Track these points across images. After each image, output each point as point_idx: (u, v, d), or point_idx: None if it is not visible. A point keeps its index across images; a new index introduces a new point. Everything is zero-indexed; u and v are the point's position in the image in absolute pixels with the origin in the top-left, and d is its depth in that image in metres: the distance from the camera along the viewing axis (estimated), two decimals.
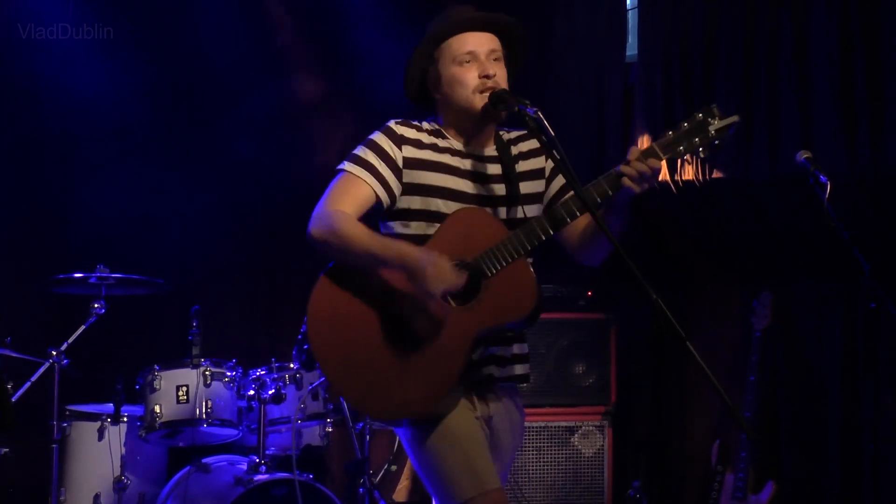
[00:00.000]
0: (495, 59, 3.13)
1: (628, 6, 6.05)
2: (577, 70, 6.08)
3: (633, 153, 2.98)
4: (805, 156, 3.80)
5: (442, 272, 2.94)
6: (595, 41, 6.03)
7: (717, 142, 3.01)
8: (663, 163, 3.03)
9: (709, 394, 5.93)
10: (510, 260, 2.99)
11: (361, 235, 3.02)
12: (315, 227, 3.05)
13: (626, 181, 2.95)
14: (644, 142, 3.07)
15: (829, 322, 5.58)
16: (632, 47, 6.02)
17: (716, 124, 3.00)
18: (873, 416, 5.38)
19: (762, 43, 5.34)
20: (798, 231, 5.46)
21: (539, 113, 2.95)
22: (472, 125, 3.16)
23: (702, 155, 3.02)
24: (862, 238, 3.91)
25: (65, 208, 6.14)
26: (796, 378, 5.67)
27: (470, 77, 3.10)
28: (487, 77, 3.09)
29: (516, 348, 3.21)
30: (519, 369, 3.23)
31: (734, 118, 3.01)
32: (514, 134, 3.28)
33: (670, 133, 3.00)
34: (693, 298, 6.13)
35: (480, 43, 3.12)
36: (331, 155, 6.42)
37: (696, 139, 2.99)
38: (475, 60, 3.10)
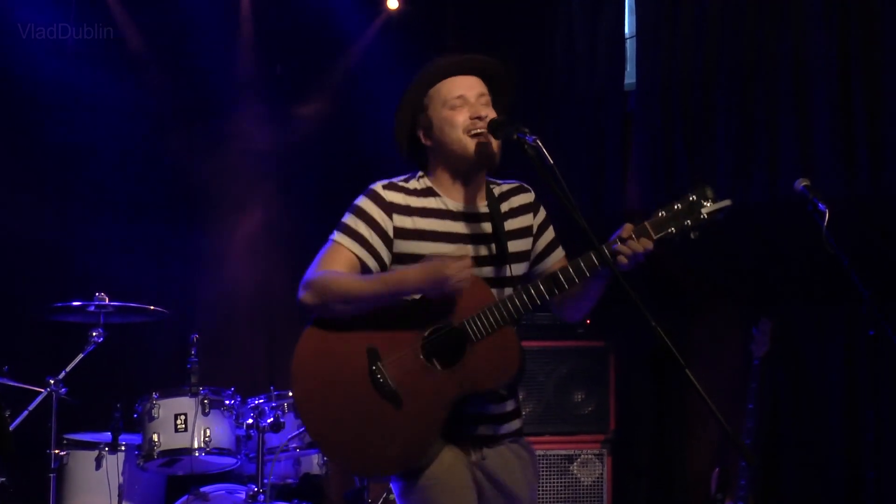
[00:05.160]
0: (485, 104, 3.14)
1: (627, 35, 6.09)
2: (576, 98, 6.11)
3: (625, 230, 2.98)
4: (804, 183, 3.81)
5: (442, 263, 2.95)
6: (594, 70, 6.06)
7: (707, 224, 3.00)
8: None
9: (708, 421, 5.91)
10: (495, 327, 2.99)
11: (353, 283, 3.03)
12: (305, 292, 3.06)
13: (620, 259, 2.96)
14: (627, 230, 3.03)
15: (829, 347, 5.57)
16: (630, 75, 6.05)
17: (708, 207, 2.99)
18: (875, 442, 5.37)
19: (761, 69, 5.37)
20: (797, 256, 5.46)
21: (538, 141, 2.95)
22: (463, 171, 3.15)
23: (692, 236, 3.00)
24: (861, 261, 3.91)
25: (64, 236, 6.14)
26: (797, 404, 5.66)
27: (461, 119, 3.10)
28: (479, 119, 3.09)
29: (510, 405, 3.20)
30: (515, 424, 3.22)
31: (726, 202, 3.00)
32: (505, 187, 3.28)
33: (662, 213, 3.00)
34: (692, 325, 6.12)
35: (470, 87, 3.14)
36: (331, 178, 6.47)
37: (688, 221, 2.99)
38: (466, 104, 3.11)
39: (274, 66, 6.65)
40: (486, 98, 3.15)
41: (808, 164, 5.17)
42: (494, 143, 3.10)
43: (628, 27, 6.11)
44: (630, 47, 6.07)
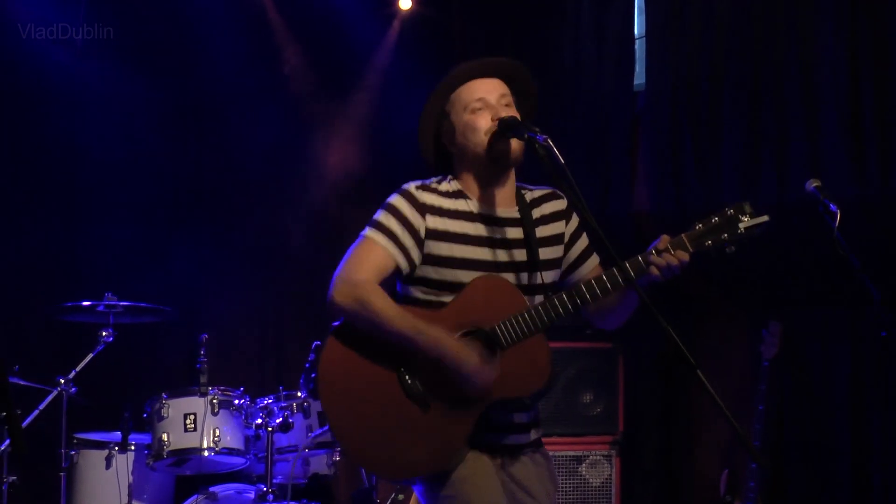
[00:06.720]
0: (506, 104, 3.12)
1: (636, 35, 6.08)
2: (584, 99, 6.11)
3: (662, 242, 2.99)
4: (815, 184, 3.80)
5: (478, 373, 2.94)
6: (603, 70, 6.06)
7: (744, 240, 3.00)
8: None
9: (717, 423, 5.91)
10: (527, 333, 2.99)
11: (391, 313, 2.99)
12: (340, 294, 3.02)
13: (652, 270, 2.97)
14: (663, 241, 3.04)
15: (837, 351, 5.57)
16: (639, 76, 6.04)
17: (746, 222, 2.99)
18: (882, 446, 5.36)
19: (769, 69, 5.36)
20: (806, 259, 5.45)
21: (549, 141, 2.94)
22: (489, 175, 3.14)
23: (727, 251, 3.00)
24: (870, 264, 3.90)
25: (73, 236, 6.15)
26: (805, 407, 5.65)
27: (483, 122, 3.09)
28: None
29: (532, 414, 3.21)
30: (534, 434, 3.23)
31: (764, 218, 3.00)
32: (537, 193, 3.26)
33: (699, 226, 3.00)
34: (700, 327, 6.11)
35: (490, 89, 3.13)
36: (341, 177, 6.49)
37: (725, 235, 2.99)
38: (487, 107, 3.10)
39: (282, 66, 6.65)
40: (508, 99, 3.13)
41: (817, 166, 5.16)
42: (515, 143, 3.08)
43: (637, 27, 6.11)
44: (639, 48, 6.06)
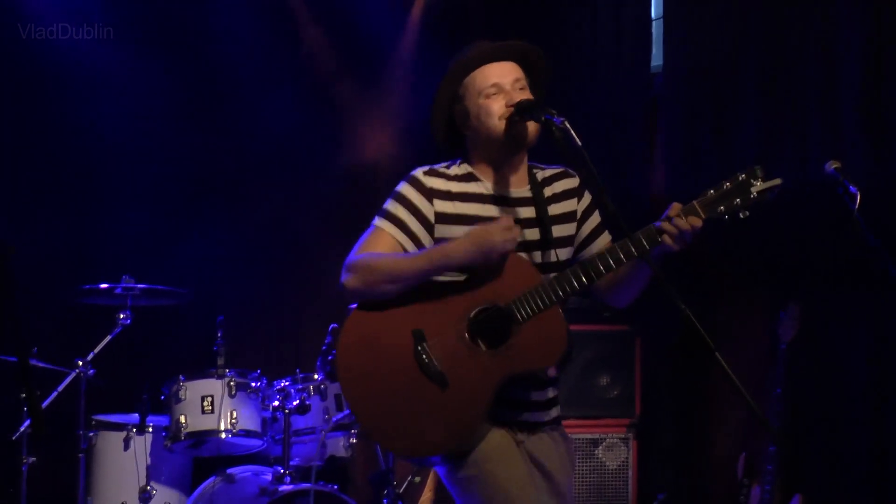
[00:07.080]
0: (521, 88, 3.12)
1: (653, 16, 6.05)
2: (601, 80, 6.08)
3: (673, 209, 2.97)
4: (834, 166, 3.77)
5: (488, 229, 2.96)
6: (620, 51, 6.03)
7: (758, 204, 2.98)
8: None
9: (734, 406, 5.89)
10: (542, 307, 2.99)
11: (397, 259, 3.04)
12: (349, 275, 3.06)
13: (665, 238, 2.96)
14: (675, 208, 3.02)
15: (856, 333, 5.54)
16: (656, 58, 6.01)
17: (758, 186, 2.98)
18: None
19: (788, 50, 5.33)
20: (825, 241, 5.42)
21: (566, 123, 2.94)
22: (502, 157, 3.15)
23: (741, 216, 2.98)
24: (889, 250, 3.88)
25: (91, 220, 6.18)
26: (823, 390, 5.63)
27: (497, 107, 3.09)
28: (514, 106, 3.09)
29: (551, 392, 3.21)
30: (554, 412, 3.23)
31: (777, 181, 2.98)
32: (548, 172, 3.27)
33: (711, 192, 2.98)
34: (717, 309, 6.09)
35: (504, 73, 3.12)
36: (357, 161, 6.48)
37: (738, 200, 2.97)
38: (501, 91, 3.10)
39: (299, 51, 6.65)
40: (522, 82, 3.13)
41: (835, 150, 5.13)
42: (531, 126, 3.08)
43: (655, 8, 6.07)
44: (657, 29, 6.03)
